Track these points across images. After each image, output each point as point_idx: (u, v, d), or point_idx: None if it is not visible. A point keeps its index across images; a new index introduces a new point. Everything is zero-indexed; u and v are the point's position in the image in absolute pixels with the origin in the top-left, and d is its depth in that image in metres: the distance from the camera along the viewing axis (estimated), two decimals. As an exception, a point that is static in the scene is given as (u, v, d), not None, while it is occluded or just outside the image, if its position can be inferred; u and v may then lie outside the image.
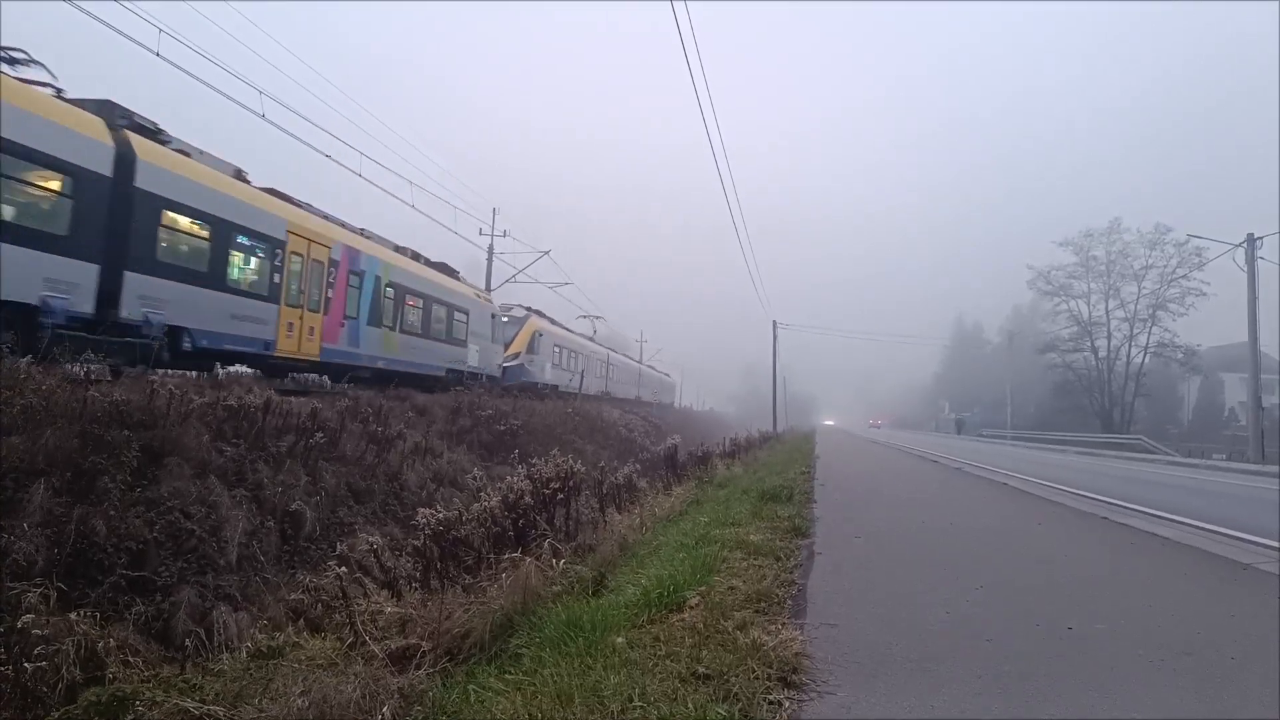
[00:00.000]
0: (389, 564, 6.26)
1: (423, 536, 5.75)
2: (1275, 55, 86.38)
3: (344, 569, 5.26)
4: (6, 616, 4.54)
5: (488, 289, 32.15)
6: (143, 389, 7.96)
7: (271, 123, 16.14)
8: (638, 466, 11.49)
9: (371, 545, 6.14)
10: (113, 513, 6.30)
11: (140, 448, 7.10)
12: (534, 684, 3.12)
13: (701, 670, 3.10)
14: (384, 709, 3.39)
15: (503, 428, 16.27)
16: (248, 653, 4.87)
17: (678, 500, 9.92)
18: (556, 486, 6.81)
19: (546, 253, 36.13)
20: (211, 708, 3.85)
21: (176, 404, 7.91)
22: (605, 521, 7.57)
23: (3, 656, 4.16)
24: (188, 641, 5.46)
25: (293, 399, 10.57)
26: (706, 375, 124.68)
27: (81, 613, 4.97)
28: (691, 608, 4.02)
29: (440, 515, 5.85)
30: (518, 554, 5.13)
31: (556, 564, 5.20)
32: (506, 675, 3.33)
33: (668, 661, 3.24)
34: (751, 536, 6.31)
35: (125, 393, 7.71)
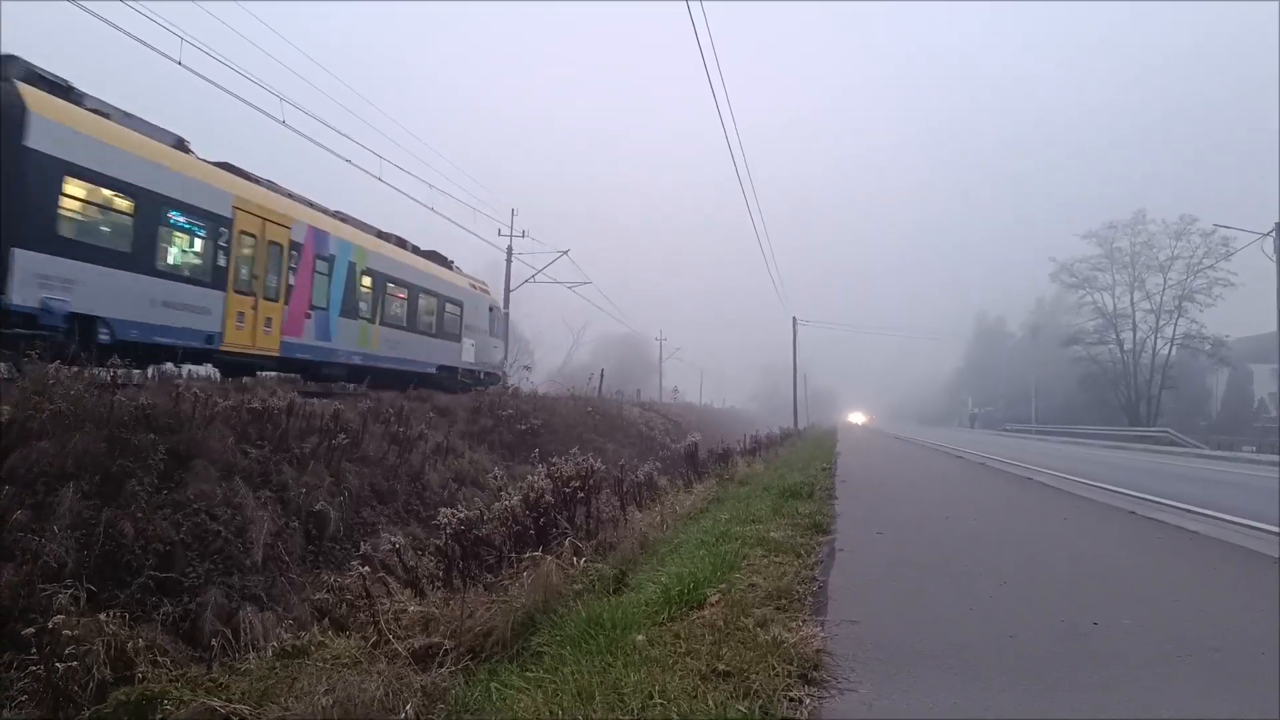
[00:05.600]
0: (412, 563, 6.30)
1: (445, 536, 5.78)
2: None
3: (367, 568, 5.30)
4: (38, 617, 4.63)
5: (507, 290, 32.60)
6: (168, 393, 8.09)
7: (292, 129, 16.34)
8: (658, 464, 11.50)
9: (394, 545, 6.19)
10: (140, 515, 6.42)
11: (166, 451, 7.22)
12: (555, 681, 3.12)
13: (722, 667, 3.08)
14: (407, 707, 3.41)
15: (524, 427, 16.43)
16: (273, 652, 4.90)
17: (698, 498, 9.89)
18: (577, 485, 6.82)
19: (565, 252, 36.28)
20: (237, 706, 3.89)
21: (201, 407, 8.03)
22: (626, 519, 7.57)
23: (35, 656, 4.25)
24: (214, 641, 5.52)
25: (315, 401, 10.69)
26: (727, 373, 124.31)
27: (111, 613, 5.05)
28: (712, 605, 4.00)
29: (462, 515, 5.88)
30: (539, 553, 5.14)
31: (577, 562, 5.20)
32: (528, 673, 3.34)
33: (688, 659, 3.22)
34: (772, 533, 6.28)
35: (151, 397, 7.84)
